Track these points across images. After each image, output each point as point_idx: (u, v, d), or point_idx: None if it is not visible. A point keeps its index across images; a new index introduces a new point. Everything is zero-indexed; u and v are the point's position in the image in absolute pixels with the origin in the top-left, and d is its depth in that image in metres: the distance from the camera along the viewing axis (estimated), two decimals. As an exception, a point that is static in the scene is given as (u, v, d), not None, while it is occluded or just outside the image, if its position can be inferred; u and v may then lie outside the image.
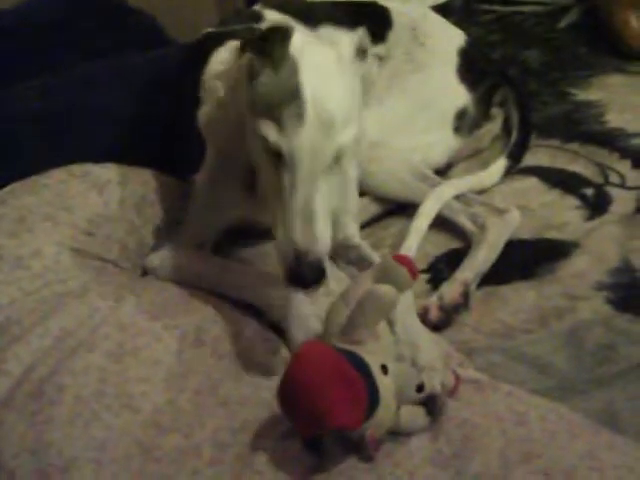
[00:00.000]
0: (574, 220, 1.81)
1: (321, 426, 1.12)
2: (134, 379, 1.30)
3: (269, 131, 1.29)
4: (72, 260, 1.57)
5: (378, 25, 2.00)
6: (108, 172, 1.76)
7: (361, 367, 1.17)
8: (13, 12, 2.20)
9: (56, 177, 1.73)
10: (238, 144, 1.46)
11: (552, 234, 1.77)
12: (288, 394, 1.17)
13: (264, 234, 1.63)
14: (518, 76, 2.29)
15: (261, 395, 1.29)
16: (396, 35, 1.98)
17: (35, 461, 1.20)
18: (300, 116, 1.27)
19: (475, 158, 2.03)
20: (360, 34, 1.39)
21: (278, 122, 1.28)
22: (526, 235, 1.77)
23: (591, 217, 1.82)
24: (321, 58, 1.34)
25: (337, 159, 1.31)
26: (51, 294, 1.48)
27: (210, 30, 1.78)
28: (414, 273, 1.31)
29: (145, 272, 1.63)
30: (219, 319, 1.43)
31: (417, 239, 1.73)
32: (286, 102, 1.28)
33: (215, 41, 1.65)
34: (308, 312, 1.42)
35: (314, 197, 1.27)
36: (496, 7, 2.73)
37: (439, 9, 2.29)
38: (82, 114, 1.91)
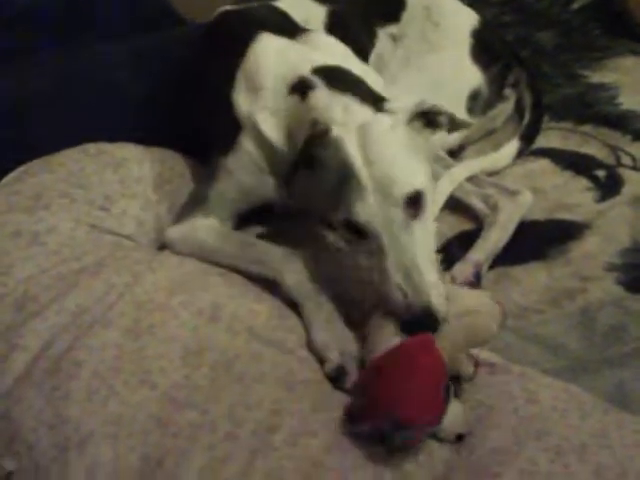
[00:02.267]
0: (585, 201, 1.82)
1: (397, 412, 1.13)
2: (151, 355, 1.31)
3: (338, 214, 1.33)
4: (88, 236, 1.58)
5: (392, 5, 2.01)
6: (123, 150, 1.77)
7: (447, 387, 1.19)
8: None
9: (71, 156, 1.74)
10: (283, 140, 1.52)
11: (564, 215, 1.78)
12: (383, 368, 1.18)
13: (285, 213, 1.66)
14: (531, 58, 2.29)
15: (277, 372, 1.30)
16: (410, 15, 1.99)
17: (53, 435, 1.21)
18: (360, 189, 1.31)
19: (487, 139, 2.04)
20: (420, 104, 1.40)
21: (343, 202, 1.32)
22: (538, 216, 1.78)
23: (602, 198, 1.83)
24: (364, 129, 1.35)
25: (413, 205, 1.32)
26: (67, 270, 1.49)
27: (226, 9, 1.78)
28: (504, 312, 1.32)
29: (162, 247, 1.63)
30: (235, 295, 1.44)
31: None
32: (343, 185, 1.32)
33: (241, 29, 1.66)
34: (333, 314, 1.41)
35: (405, 251, 1.29)
36: (509, -12, 2.72)
37: (453, -10, 2.28)
38: (98, 94, 1.91)
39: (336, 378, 1.31)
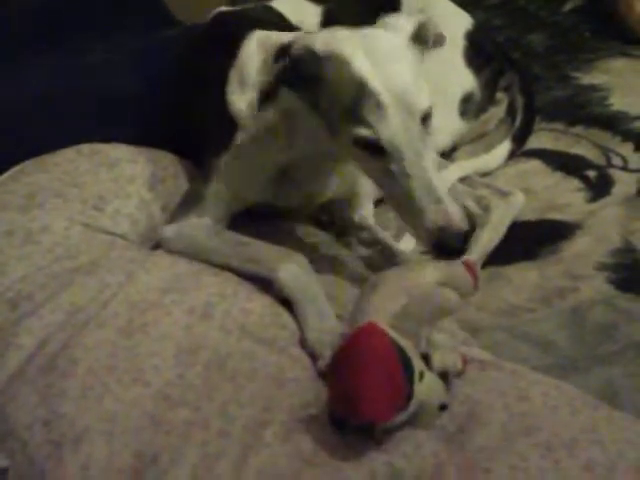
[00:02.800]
0: (576, 202, 1.84)
1: (352, 412, 1.13)
2: (144, 354, 1.32)
3: (360, 131, 1.31)
4: (81, 235, 1.59)
5: (387, 5, 2.02)
6: (117, 151, 1.78)
7: (406, 369, 1.16)
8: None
9: (66, 156, 1.75)
10: (276, 137, 1.51)
11: (555, 215, 1.80)
12: (337, 366, 1.18)
13: (281, 213, 1.69)
14: (522, 60, 2.31)
15: (269, 370, 1.31)
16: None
17: (48, 432, 1.21)
18: (379, 106, 1.29)
19: (479, 141, 2.05)
20: (417, 20, 1.40)
21: (363, 121, 1.30)
22: (529, 216, 1.79)
23: (593, 199, 1.85)
24: (372, 42, 1.34)
25: (424, 122, 1.33)
26: (61, 269, 1.50)
27: (222, 10, 1.79)
28: (477, 284, 1.34)
29: (156, 246, 1.64)
30: (228, 294, 1.45)
31: None
32: (360, 101, 1.30)
33: (236, 27, 1.66)
34: (328, 311, 1.42)
35: (430, 171, 1.29)
36: (501, -10, 2.74)
37: (445, -8, 2.29)
38: (91, 96, 1.92)
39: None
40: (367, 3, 1.99)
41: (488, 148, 1.98)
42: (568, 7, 2.61)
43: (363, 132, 1.30)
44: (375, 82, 1.30)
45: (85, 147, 1.77)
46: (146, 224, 1.69)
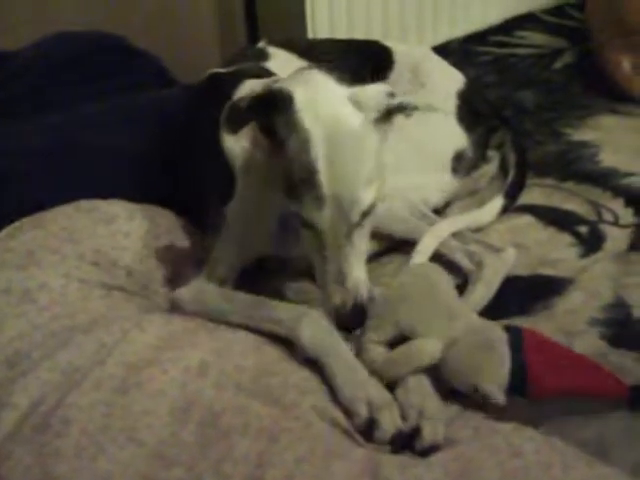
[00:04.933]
0: (569, 257, 1.85)
1: None
2: (139, 412, 1.33)
3: (296, 206, 1.35)
4: (78, 292, 1.60)
5: (380, 64, 2.05)
6: (115, 207, 1.80)
7: None
8: (27, 51, 2.26)
9: (63, 212, 1.77)
10: (270, 183, 1.49)
11: (547, 271, 1.81)
12: None
13: (288, 266, 1.70)
14: (514, 116, 2.34)
15: (262, 423, 1.31)
16: (397, 75, 2.03)
17: (41, 493, 1.22)
18: (319, 200, 1.32)
19: (472, 197, 2.07)
20: (383, 89, 1.39)
21: (301, 201, 1.33)
22: (522, 272, 1.80)
23: (585, 254, 1.86)
24: (334, 126, 1.33)
25: (363, 216, 1.36)
26: (59, 327, 1.51)
27: (216, 70, 1.83)
28: None
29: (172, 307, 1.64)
30: (222, 351, 1.46)
31: None
32: (305, 185, 1.32)
33: (229, 80, 1.68)
34: (355, 365, 1.42)
35: (344, 259, 1.34)
36: (492, 49, 2.80)
37: (437, 50, 2.34)
38: (87, 152, 1.94)
39: (367, 432, 1.31)
40: (361, 61, 2.03)
41: (481, 204, 2.00)
42: (558, 65, 2.67)
43: (299, 210, 1.35)
44: (324, 178, 1.31)
45: (83, 203, 1.79)
46: (144, 274, 1.70)
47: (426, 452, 1.29)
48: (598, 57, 2.55)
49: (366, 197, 1.33)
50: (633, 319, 1.67)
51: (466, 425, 1.35)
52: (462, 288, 1.74)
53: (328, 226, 1.33)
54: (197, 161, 1.73)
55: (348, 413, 1.34)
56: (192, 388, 1.38)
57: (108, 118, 2.05)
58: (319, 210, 1.31)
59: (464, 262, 1.79)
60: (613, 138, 2.27)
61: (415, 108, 1.40)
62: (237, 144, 1.58)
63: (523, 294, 1.74)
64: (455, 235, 1.85)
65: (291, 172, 1.34)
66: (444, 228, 1.84)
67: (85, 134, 1.98)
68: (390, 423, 1.30)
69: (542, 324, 1.65)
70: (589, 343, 1.60)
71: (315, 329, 1.45)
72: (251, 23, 2.68)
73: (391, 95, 1.38)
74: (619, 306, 1.70)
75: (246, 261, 1.66)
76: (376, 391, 1.34)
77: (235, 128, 1.41)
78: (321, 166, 1.31)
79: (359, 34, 2.58)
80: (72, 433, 1.29)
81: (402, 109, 1.39)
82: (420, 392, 1.36)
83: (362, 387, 1.35)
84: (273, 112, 1.36)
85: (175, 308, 1.62)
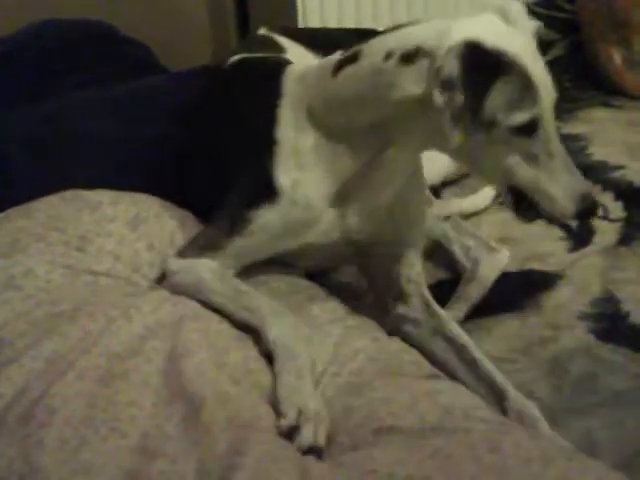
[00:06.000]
0: (558, 251, 1.86)
1: None
2: (123, 402, 1.31)
3: (517, 117, 1.37)
4: (64, 279, 1.58)
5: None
6: (100, 195, 1.78)
7: None
8: (12, 39, 2.24)
9: (49, 202, 1.75)
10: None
11: (537, 265, 1.82)
12: None
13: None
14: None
15: (244, 416, 1.30)
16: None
17: (23, 486, 1.20)
18: (538, 95, 1.37)
19: (462, 186, 2.07)
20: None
21: (522, 107, 1.37)
22: (512, 266, 1.81)
23: (575, 248, 1.87)
24: (519, 40, 1.41)
25: None
26: (44, 315, 1.49)
27: (244, 56, 1.78)
28: None
29: (161, 277, 1.62)
30: (204, 344, 1.44)
31: None
32: (522, 92, 1.36)
33: (268, 68, 1.65)
34: (306, 375, 1.39)
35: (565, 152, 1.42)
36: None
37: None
38: (76, 141, 1.92)
39: (288, 435, 1.30)
40: None
41: (474, 189, 2.00)
42: (549, 57, 2.65)
43: (523, 117, 1.37)
44: (537, 79, 1.37)
45: (68, 193, 1.77)
46: (130, 260, 1.69)
47: (307, 452, 1.27)
48: (589, 50, 2.55)
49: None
50: (622, 314, 1.67)
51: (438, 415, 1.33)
52: (455, 282, 1.74)
53: (549, 115, 1.39)
54: (226, 154, 1.66)
55: (277, 412, 1.33)
56: (177, 379, 1.36)
57: (98, 106, 2.02)
58: (539, 99, 1.37)
59: (460, 257, 1.80)
60: (603, 131, 2.28)
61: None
62: (299, 145, 1.52)
63: (513, 290, 1.75)
64: (452, 224, 1.84)
65: (509, 94, 1.36)
66: (443, 207, 1.84)
67: (75, 122, 1.96)
68: (310, 437, 1.29)
69: (530, 319, 1.66)
70: (577, 338, 1.61)
71: (284, 329, 1.44)
72: (242, 14, 2.66)
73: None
74: (608, 301, 1.70)
75: (264, 257, 1.62)
76: (313, 405, 1.33)
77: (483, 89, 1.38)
78: (533, 71, 1.37)
79: (350, 26, 2.56)
80: (56, 424, 1.27)
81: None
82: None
83: (301, 395, 1.34)
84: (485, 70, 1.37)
85: (163, 276, 1.60)
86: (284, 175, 1.52)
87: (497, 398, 1.42)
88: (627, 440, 1.35)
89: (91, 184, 1.81)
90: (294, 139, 1.52)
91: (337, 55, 1.52)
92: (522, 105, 1.37)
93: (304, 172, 1.52)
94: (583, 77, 2.53)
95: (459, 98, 1.31)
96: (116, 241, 1.69)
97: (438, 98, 1.32)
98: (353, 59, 1.47)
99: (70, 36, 2.26)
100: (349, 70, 1.47)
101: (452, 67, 1.31)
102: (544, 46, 2.68)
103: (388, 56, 1.40)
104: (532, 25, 1.50)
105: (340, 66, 1.49)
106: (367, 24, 2.61)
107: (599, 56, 2.49)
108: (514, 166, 1.41)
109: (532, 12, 2.90)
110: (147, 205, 1.79)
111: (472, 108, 1.33)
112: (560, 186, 1.39)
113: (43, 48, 2.19)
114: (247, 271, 1.61)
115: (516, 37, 1.40)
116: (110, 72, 2.20)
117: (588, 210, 1.42)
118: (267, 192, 1.53)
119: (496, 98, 1.35)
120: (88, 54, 2.24)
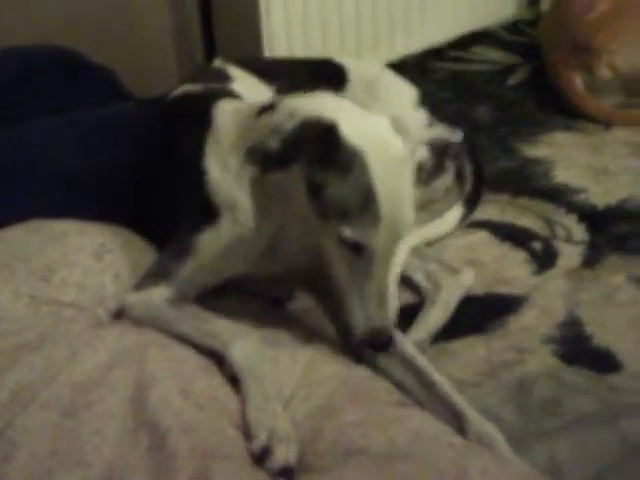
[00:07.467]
0: (523, 274, 1.87)
1: None
2: (87, 433, 1.30)
3: (345, 230, 1.38)
4: (28, 309, 1.58)
5: (334, 81, 2.06)
6: (65, 225, 1.77)
7: None
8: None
9: (13, 232, 1.75)
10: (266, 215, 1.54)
11: (502, 289, 1.83)
12: None
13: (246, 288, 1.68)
14: (469, 132, 2.35)
15: (206, 445, 1.29)
16: (351, 90, 2.03)
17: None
18: (375, 221, 1.37)
19: (426, 211, 2.07)
20: (423, 119, 1.52)
21: (354, 223, 1.37)
22: (477, 290, 1.81)
23: (539, 271, 1.88)
24: (384, 152, 1.40)
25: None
26: (8, 345, 1.48)
27: (187, 88, 1.81)
28: None
29: (118, 312, 1.63)
30: (169, 372, 1.43)
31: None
32: (361, 206, 1.37)
33: (204, 101, 1.68)
34: (272, 395, 1.41)
35: (387, 280, 1.42)
36: (448, 64, 2.82)
37: (394, 66, 2.36)
38: (38, 171, 1.90)
39: (260, 458, 1.30)
40: (314, 79, 2.03)
41: (435, 217, 2.01)
42: (513, 81, 2.70)
43: (352, 234, 1.38)
44: (381, 196, 1.36)
45: (33, 223, 1.77)
46: (95, 292, 1.68)
47: (280, 474, 1.28)
48: (551, 74, 2.58)
49: (411, 216, 1.42)
50: (585, 336, 1.68)
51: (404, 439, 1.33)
52: (418, 307, 1.75)
53: (381, 245, 1.38)
54: (170, 184, 1.70)
55: (248, 435, 1.33)
56: (142, 409, 1.35)
57: (60, 135, 2.01)
58: (374, 230, 1.37)
59: (422, 282, 1.81)
60: (566, 154, 2.30)
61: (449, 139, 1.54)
62: (225, 177, 1.57)
63: (478, 313, 1.76)
64: (414, 251, 1.85)
65: (342, 198, 1.37)
66: (409, 239, 1.85)
67: (33, 152, 1.94)
68: (283, 458, 1.30)
69: (496, 342, 1.67)
70: (542, 361, 1.62)
71: (247, 351, 1.46)
72: (208, 38, 2.67)
73: (429, 125, 1.51)
74: (572, 324, 1.72)
75: (215, 282, 1.64)
76: (282, 425, 1.34)
77: (272, 168, 1.43)
78: (379, 189, 1.37)
79: (315, 50, 2.58)
80: (20, 457, 1.26)
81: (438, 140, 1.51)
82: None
83: (270, 416, 1.35)
84: (318, 144, 1.38)
85: (122, 312, 1.61)
86: (220, 198, 1.57)
87: (457, 420, 1.41)
88: (590, 461, 1.36)
89: (57, 215, 1.80)
90: (220, 171, 1.58)
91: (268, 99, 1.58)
92: (356, 222, 1.37)
93: (238, 196, 1.56)
94: (546, 101, 2.56)
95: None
96: (81, 272, 1.68)
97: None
98: (270, 108, 1.52)
99: (35, 62, 2.25)
100: (264, 118, 1.51)
101: (294, 127, 1.37)
102: (507, 70, 2.75)
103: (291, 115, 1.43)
104: (424, 137, 1.50)
105: (261, 111, 1.54)
106: (332, 48, 2.63)
107: (561, 80, 2.52)
108: (339, 270, 1.43)
109: (496, 36, 2.98)
110: (113, 235, 1.79)
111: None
112: (361, 309, 1.41)
113: (5, 77, 2.17)
114: (211, 298, 1.62)
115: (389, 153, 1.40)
116: (76, 99, 2.19)
117: (374, 344, 1.43)
118: (207, 215, 1.58)
119: (332, 191, 1.38)
120: (53, 80, 2.23)
